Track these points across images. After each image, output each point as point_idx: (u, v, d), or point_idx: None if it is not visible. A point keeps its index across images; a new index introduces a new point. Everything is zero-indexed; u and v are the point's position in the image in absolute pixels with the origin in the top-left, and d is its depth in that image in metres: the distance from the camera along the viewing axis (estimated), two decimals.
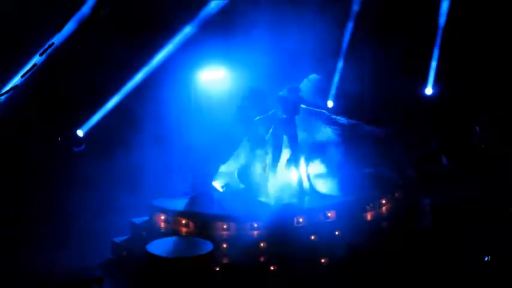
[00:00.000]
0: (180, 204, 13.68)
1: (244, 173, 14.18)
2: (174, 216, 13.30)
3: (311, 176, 14.33)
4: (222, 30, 15.12)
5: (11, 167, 14.28)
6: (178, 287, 11.51)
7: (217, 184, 14.41)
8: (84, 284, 12.23)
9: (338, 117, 14.76)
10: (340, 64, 17.59)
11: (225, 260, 12.48)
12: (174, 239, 12.37)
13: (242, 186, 14.14)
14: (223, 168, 14.61)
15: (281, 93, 14.50)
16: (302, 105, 14.61)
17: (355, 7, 17.27)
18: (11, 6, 13.42)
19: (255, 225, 12.95)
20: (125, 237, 13.75)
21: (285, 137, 14.45)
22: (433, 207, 14.09)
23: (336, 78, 17.69)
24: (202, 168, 14.15)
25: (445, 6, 17.58)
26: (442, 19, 17.82)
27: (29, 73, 13.06)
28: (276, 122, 14.49)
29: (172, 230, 13.15)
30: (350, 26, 17.48)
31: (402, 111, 17.42)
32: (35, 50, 13.16)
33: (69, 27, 13.22)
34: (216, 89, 16.09)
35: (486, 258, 13.21)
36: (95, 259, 13.38)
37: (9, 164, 14.25)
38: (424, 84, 18.35)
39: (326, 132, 14.70)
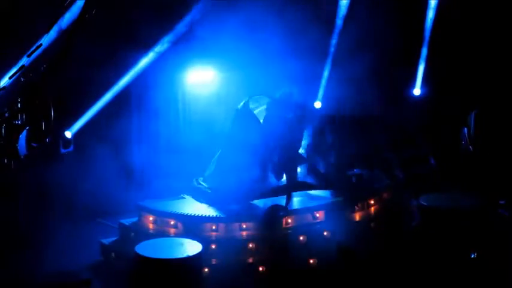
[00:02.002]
0: (169, 205, 13.68)
1: None
2: (163, 217, 13.31)
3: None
4: (209, 31, 15.13)
5: None
6: None
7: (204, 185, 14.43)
8: (72, 286, 12.21)
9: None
10: (328, 65, 17.62)
11: (214, 261, 12.48)
12: (163, 240, 12.35)
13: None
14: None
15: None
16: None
17: (343, 9, 17.28)
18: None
19: (244, 226, 12.98)
20: (113, 239, 13.74)
21: None
22: (421, 207, 14.12)
23: (324, 79, 17.72)
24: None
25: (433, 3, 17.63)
26: (429, 20, 17.87)
27: (17, 74, 13.03)
28: None
29: (161, 231, 13.15)
30: (338, 26, 17.51)
31: (390, 112, 17.49)
32: (22, 51, 13.12)
33: (57, 28, 13.18)
34: (205, 90, 16.15)
35: (472, 255, 13.30)
36: (83, 261, 13.35)
37: None
38: (412, 84, 18.41)
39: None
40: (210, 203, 13.76)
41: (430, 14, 17.74)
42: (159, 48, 14.84)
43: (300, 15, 16.20)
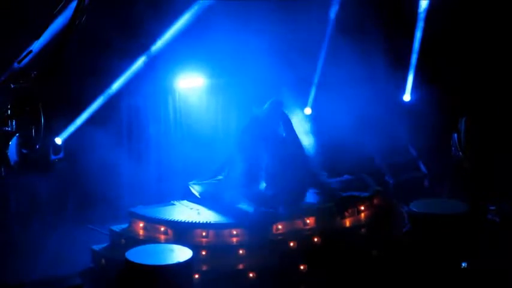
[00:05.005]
0: (159, 211, 13.69)
1: None
2: (153, 223, 13.31)
3: None
4: (200, 36, 15.15)
5: None
6: None
7: (195, 190, 14.46)
8: None
9: None
10: (318, 71, 17.63)
11: (205, 267, 12.48)
12: (154, 247, 12.36)
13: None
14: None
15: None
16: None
17: (332, 15, 17.30)
18: None
19: (234, 232, 12.99)
20: (104, 245, 13.72)
21: None
22: (411, 213, 14.16)
23: (313, 86, 17.73)
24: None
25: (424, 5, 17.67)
26: (421, 22, 17.91)
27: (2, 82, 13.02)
28: None
29: (151, 238, 13.15)
30: (328, 33, 17.52)
31: (380, 118, 17.50)
32: (12, 57, 13.10)
33: (47, 35, 13.17)
34: (195, 96, 16.16)
35: (463, 265, 13.33)
36: (74, 267, 13.32)
37: None
38: (402, 90, 18.44)
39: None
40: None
41: (422, 4, 17.74)
42: (149, 54, 14.85)
43: (291, 21, 16.25)
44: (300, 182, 14.06)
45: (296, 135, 14.34)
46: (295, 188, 13.97)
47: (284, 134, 14.25)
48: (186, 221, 13.12)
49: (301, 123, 14.86)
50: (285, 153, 14.02)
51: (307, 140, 14.75)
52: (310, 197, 14.27)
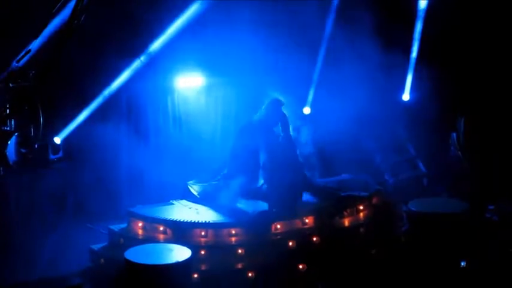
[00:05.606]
0: (158, 211, 13.69)
1: None
2: (152, 223, 13.31)
3: None
4: (199, 35, 15.15)
5: None
6: None
7: (193, 190, 14.47)
8: None
9: None
10: (317, 70, 17.62)
11: (203, 267, 12.49)
12: (153, 246, 12.37)
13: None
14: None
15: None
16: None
17: (331, 14, 17.27)
18: None
19: (233, 231, 13.00)
20: (102, 244, 13.72)
21: None
22: (410, 212, 14.17)
23: (313, 85, 17.71)
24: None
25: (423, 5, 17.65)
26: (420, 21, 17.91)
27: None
28: None
29: (150, 237, 13.15)
30: (327, 32, 17.50)
31: (379, 117, 17.50)
32: (11, 56, 13.11)
33: (45, 34, 13.17)
34: (194, 96, 16.17)
35: (463, 264, 13.35)
36: (73, 267, 13.32)
37: None
38: (401, 90, 18.42)
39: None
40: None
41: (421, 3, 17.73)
42: (148, 53, 14.84)
43: (290, 21, 16.25)
44: (294, 181, 14.04)
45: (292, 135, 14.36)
46: (290, 186, 13.96)
47: (281, 134, 14.24)
48: (185, 221, 13.12)
49: (295, 122, 14.92)
50: (280, 153, 14.02)
51: (302, 136, 14.80)
52: (309, 196, 14.27)
